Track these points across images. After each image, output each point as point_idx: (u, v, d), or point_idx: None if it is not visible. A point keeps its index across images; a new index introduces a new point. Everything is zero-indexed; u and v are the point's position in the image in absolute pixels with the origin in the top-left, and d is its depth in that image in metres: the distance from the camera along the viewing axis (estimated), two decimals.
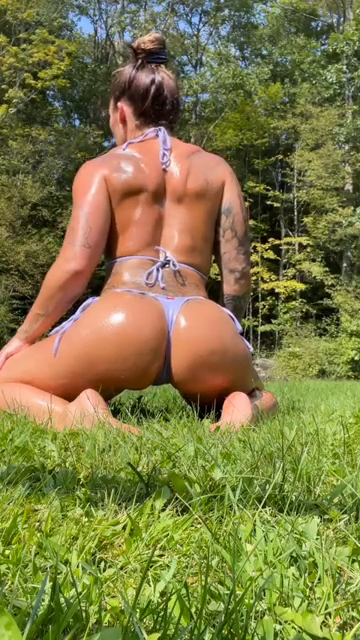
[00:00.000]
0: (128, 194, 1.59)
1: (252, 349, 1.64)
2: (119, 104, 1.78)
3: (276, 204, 18.66)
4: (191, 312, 1.46)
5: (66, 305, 1.59)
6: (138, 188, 1.59)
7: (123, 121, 1.79)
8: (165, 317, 1.44)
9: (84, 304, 1.55)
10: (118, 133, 1.82)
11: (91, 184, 1.59)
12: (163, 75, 1.73)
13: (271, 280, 17.48)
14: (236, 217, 1.67)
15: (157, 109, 1.73)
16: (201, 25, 20.51)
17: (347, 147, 16.73)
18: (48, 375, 1.47)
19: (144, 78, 1.72)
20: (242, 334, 1.60)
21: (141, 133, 1.74)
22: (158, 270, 1.56)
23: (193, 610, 0.41)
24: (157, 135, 1.70)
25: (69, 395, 1.42)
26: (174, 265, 1.58)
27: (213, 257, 1.77)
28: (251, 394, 1.57)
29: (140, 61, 1.74)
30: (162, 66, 1.76)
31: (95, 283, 1.90)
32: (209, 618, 0.41)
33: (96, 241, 1.55)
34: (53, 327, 1.60)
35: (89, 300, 1.56)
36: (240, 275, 1.69)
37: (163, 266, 1.58)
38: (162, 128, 1.72)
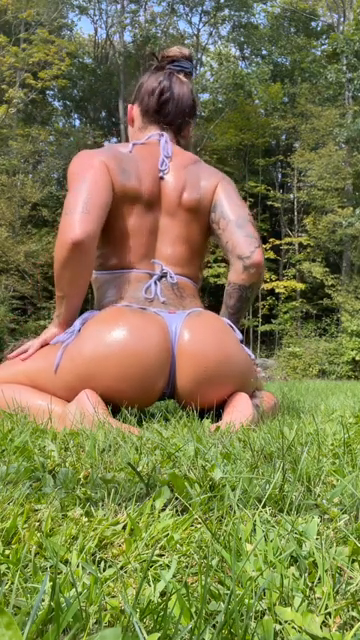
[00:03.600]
0: (124, 199, 1.54)
1: (253, 356, 1.62)
2: (129, 106, 1.81)
3: (276, 204, 18.67)
4: (194, 326, 1.43)
5: (79, 283, 1.47)
6: (134, 195, 1.54)
7: (131, 121, 1.81)
8: (169, 333, 1.40)
9: (83, 317, 1.49)
10: (129, 134, 1.84)
11: (92, 164, 1.50)
12: (175, 80, 1.73)
13: (271, 280, 17.48)
14: (226, 205, 1.62)
15: (158, 108, 1.72)
16: (201, 25, 20.52)
17: (347, 147, 16.73)
18: (46, 387, 1.45)
19: (154, 80, 1.73)
20: (242, 341, 1.58)
21: (144, 135, 1.74)
22: (156, 284, 1.54)
23: (193, 610, 0.41)
24: (159, 140, 1.69)
25: None
26: (172, 278, 1.55)
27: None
28: (251, 394, 1.57)
29: (158, 66, 1.76)
30: (180, 74, 1.75)
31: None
32: (209, 618, 0.41)
33: (97, 207, 1.41)
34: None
35: (87, 314, 1.50)
36: (249, 263, 1.56)
37: (160, 279, 1.56)
38: (165, 134, 1.71)
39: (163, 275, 1.57)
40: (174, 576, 0.48)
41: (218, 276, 15.54)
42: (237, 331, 1.57)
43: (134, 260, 1.56)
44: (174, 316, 1.46)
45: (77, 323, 1.47)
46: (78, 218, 1.39)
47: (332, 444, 0.99)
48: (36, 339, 1.58)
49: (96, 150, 1.60)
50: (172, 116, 1.74)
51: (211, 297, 15.37)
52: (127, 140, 1.85)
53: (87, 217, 1.40)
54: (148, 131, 1.74)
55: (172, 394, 1.45)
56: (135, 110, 1.78)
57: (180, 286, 1.58)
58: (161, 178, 1.61)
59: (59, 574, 0.49)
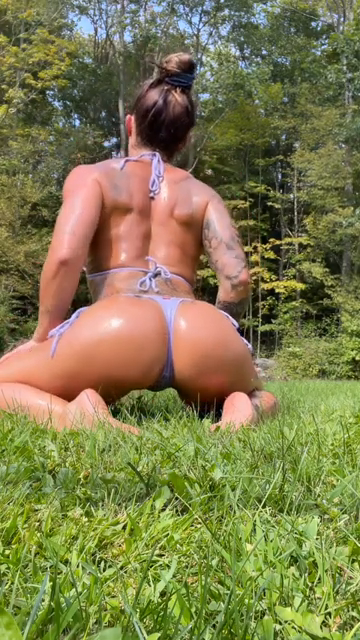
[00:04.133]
0: (116, 212, 1.61)
1: (251, 346, 1.64)
2: (128, 115, 1.83)
3: (276, 204, 18.67)
4: (189, 310, 1.46)
5: (63, 300, 1.55)
6: (125, 209, 1.61)
7: (130, 131, 1.84)
8: (164, 315, 1.44)
9: (79, 310, 1.53)
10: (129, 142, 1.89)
11: (85, 182, 1.59)
12: (171, 99, 1.72)
13: (271, 280, 17.49)
14: (218, 225, 1.69)
15: (150, 134, 1.75)
16: (201, 25, 20.50)
17: (347, 147, 16.73)
18: (44, 376, 1.46)
19: (150, 99, 1.73)
20: (241, 332, 1.60)
21: (137, 152, 1.78)
22: (150, 279, 1.58)
23: (193, 610, 0.41)
24: (152, 160, 1.72)
25: (66, 397, 1.42)
26: (166, 274, 1.59)
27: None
28: (251, 394, 1.57)
29: (157, 79, 1.75)
30: (178, 90, 1.74)
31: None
32: (209, 618, 0.41)
33: (83, 228, 1.52)
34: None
35: (82, 308, 1.54)
36: (237, 282, 1.66)
37: (155, 276, 1.59)
38: (157, 154, 1.74)
39: (157, 273, 1.60)
40: (174, 576, 0.48)
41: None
42: (233, 319, 1.60)
43: (128, 260, 1.61)
44: (169, 302, 1.49)
45: (73, 316, 1.51)
46: (67, 238, 1.50)
47: (332, 444, 0.99)
48: (16, 349, 1.65)
49: (90, 167, 1.67)
50: (165, 142, 1.77)
51: (211, 297, 15.36)
52: (127, 142, 1.88)
53: (74, 237, 1.50)
54: (142, 151, 1.78)
55: (171, 378, 1.46)
56: (132, 122, 1.81)
57: (174, 282, 1.62)
58: (152, 197, 1.67)
59: (59, 574, 0.49)
